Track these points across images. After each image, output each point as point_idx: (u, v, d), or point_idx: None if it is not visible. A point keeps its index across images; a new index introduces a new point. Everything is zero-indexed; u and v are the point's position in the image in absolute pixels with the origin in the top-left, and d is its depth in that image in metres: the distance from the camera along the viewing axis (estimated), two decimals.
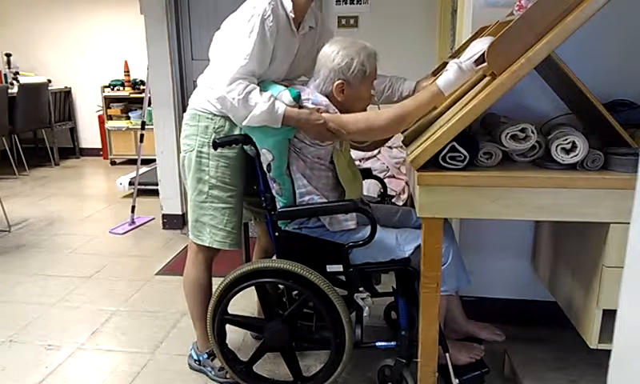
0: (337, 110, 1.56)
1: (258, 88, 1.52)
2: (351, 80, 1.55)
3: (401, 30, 3.30)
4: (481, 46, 1.38)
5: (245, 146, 1.70)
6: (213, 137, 1.70)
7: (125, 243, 3.37)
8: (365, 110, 1.65)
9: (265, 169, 1.64)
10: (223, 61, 1.56)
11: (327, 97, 1.57)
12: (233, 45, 1.55)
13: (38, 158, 5.86)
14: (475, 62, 1.39)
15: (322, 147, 1.60)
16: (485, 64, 1.34)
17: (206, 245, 1.78)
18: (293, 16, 1.60)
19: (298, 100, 1.53)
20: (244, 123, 1.54)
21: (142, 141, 3.72)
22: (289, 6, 1.59)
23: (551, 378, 1.65)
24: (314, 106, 1.53)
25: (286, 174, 1.62)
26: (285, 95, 1.53)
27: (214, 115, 1.70)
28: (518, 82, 1.26)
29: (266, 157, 1.61)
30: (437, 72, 1.83)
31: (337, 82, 1.55)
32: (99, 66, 6.01)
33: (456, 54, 1.82)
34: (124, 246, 3.31)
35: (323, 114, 1.52)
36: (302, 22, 1.67)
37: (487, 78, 1.36)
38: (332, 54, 1.54)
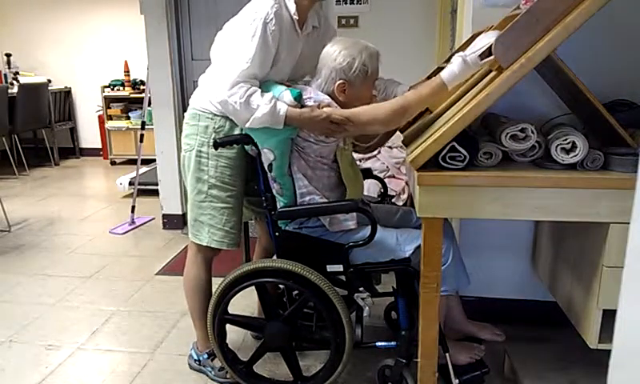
0: (338, 108, 1.56)
1: (260, 90, 1.52)
2: (352, 80, 1.54)
3: (401, 30, 3.30)
4: (487, 39, 1.36)
5: (246, 146, 1.70)
6: (213, 136, 1.70)
7: (125, 243, 3.37)
8: None
9: (266, 168, 1.64)
10: (225, 64, 1.56)
11: (329, 96, 1.57)
12: (235, 48, 1.55)
13: (37, 158, 5.86)
14: (480, 55, 1.37)
15: (327, 145, 1.60)
16: (491, 58, 1.33)
17: (204, 244, 1.78)
18: (297, 18, 1.60)
19: (299, 99, 1.53)
20: (247, 125, 1.54)
21: (141, 141, 3.72)
22: (292, 7, 1.58)
23: (551, 377, 1.65)
24: (315, 104, 1.53)
25: (287, 174, 1.62)
26: (286, 95, 1.52)
27: (215, 115, 1.70)
28: (518, 82, 1.26)
29: (267, 156, 1.61)
30: (431, 77, 1.83)
31: (338, 82, 1.55)
32: (99, 66, 6.01)
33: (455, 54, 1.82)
34: (124, 246, 3.31)
35: (325, 109, 1.52)
36: (306, 22, 1.67)
37: (488, 77, 1.36)
38: (334, 53, 1.54)
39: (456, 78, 1.41)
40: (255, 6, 1.56)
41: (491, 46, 1.32)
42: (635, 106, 1.59)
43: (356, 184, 1.70)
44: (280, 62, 1.61)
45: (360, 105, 1.58)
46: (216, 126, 1.71)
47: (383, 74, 1.77)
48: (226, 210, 1.76)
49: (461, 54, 1.42)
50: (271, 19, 1.52)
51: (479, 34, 1.73)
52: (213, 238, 1.77)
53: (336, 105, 1.55)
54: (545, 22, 1.24)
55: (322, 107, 1.52)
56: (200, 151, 1.72)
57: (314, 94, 1.56)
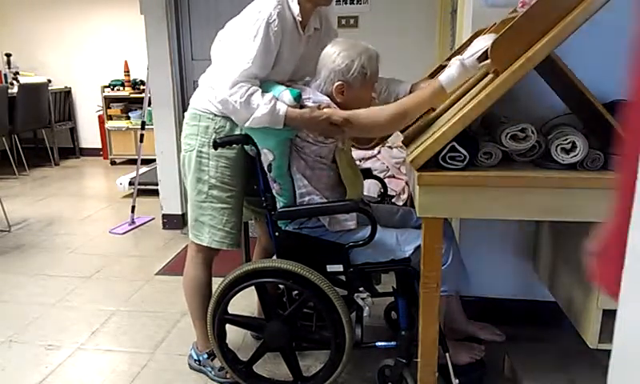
0: (337, 109, 1.56)
1: (260, 90, 1.52)
2: (351, 82, 1.54)
3: (401, 30, 3.31)
4: (484, 42, 1.37)
5: (245, 146, 1.70)
6: (213, 137, 1.70)
7: (125, 243, 3.37)
8: None
9: (265, 169, 1.64)
10: (226, 63, 1.56)
11: (328, 97, 1.57)
12: (236, 48, 1.55)
13: (37, 158, 5.86)
14: (478, 59, 1.38)
15: (325, 145, 1.60)
16: (488, 61, 1.34)
17: (205, 244, 1.78)
18: (300, 19, 1.60)
19: (298, 100, 1.53)
20: (246, 125, 1.54)
21: (141, 141, 3.72)
22: (296, 9, 1.58)
23: (551, 378, 1.66)
24: (315, 104, 1.53)
25: (286, 174, 1.62)
26: (285, 95, 1.52)
27: (215, 115, 1.70)
28: (518, 82, 1.26)
29: (266, 157, 1.61)
30: (434, 75, 1.83)
31: (337, 84, 1.55)
32: (99, 65, 6.01)
33: (456, 54, 1.82)
34: (124, 246, 3.31)
35: (325, 110, 1.52)
36: (308, 24, 1.67)
37: (488, 77, 1.36)
38: (333, 55, 1.54)
39: (454, 81, 1.42)
40: (258, 6, 1.56)
41: (488, 49, 1.32)
42: None
43: (356, 184, 1.70)
44: (282, 63, 1.61)
45: (359, 107, 1.58)
46: (216, 127, 1.71)
47: (384, 74, 1.77)
48: (227, 211, 1.76)
49: (459, 57, 1.42)
50: (274, 20, 1.52)
51: (480, 32, 1.74)
52: (213, 238, 1.77)
53: (335, 106, 1.55)
54: (541, 26, 1.25)
55: (322, 108, 1.52)
56: (201, 151, 1.72)
57: (312, 95, 1.56)
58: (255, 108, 1.50)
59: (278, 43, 1.55)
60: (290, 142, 1.59)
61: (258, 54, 1.52)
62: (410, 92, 1.74)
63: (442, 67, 1.76)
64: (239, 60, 1.52)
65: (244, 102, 1.49)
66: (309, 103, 1.54)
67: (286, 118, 1.51)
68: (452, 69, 1.42)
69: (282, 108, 1.50)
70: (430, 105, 1.50)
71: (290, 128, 1.54)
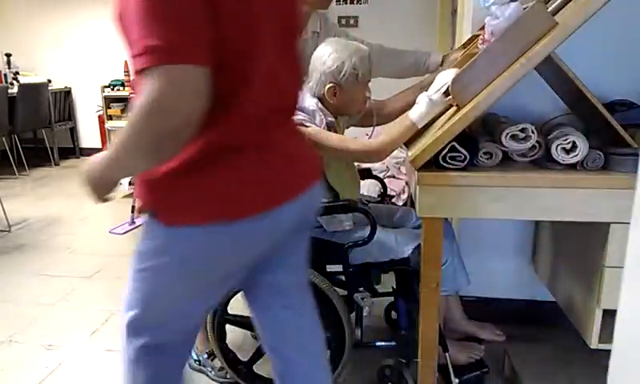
0: (324, 116, 1.54)
1: None
2: (343, 83, 1.53)
3: (401, 30, 3.31)
4: (447, 77, 1.41)
5: None
6: None
7: (125, 243, 3.37)
8: (360, 112, 1.65)
9: None
10: None
11: (320, 100, 1.56)
12: None
13: (37, 158, 5.85)
14: (444, 93, 1.42)
15: None
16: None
17: None
18: None
19: None
20: None
21: None
22: None
23: (551, 378, 1.66)
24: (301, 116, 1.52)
25: None
26: None
27: None
28: (518, 82, 1.26)
29: None
30: (467, 45, 1.84)
31: (328, 86, 1.53)
32: (99, 66, 6.00)
33: (462, 48, 1.83)
34: (124, 246, 3.30)
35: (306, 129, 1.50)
36: (305, 27, 1.67)
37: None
38: (323, 56, 1.53)
39: (424, 116, 1.45)
40: None
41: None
42: (635, 106, 1.59)
43: (351, 186, 1.69)
44: None
45: (353, 107, 1.58)
46: None
47: (383, 75, 1.77)
48: None
49: (426, 93, 1.46)
50: None
51: (475, 39, 1.74)
52: None
53: (322, 114, 1.53)
54: (501, 63, 1.28)
55: (305, 122, 1.50)
56: None
57: (299, 101, 1.54)
58: None
59: None
60: None
61: None
62: (442, 63, 1.77)
63: (475, 37, 1.77)
64: None
65: None
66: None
67: None
68: (421, 105, 1.45)
69: None
70: (402, 141, 1.50)
71: None
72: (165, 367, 1.14)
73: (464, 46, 1.86)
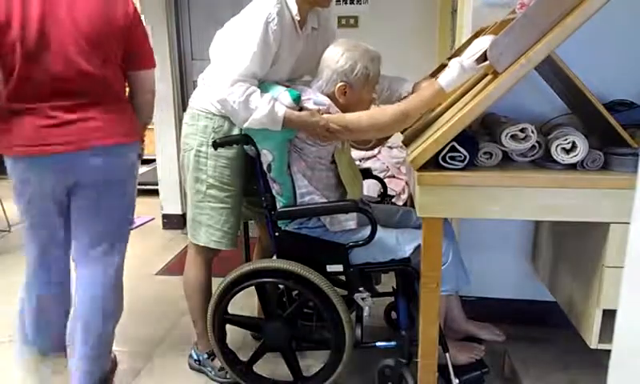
0: (338, 111, 1.56)
1: (259, 90, 1.52)
2: (353, 83, 1.54)
3: (401, 30, 3.30)
4: (482, 44, 1.37)
5: (245, 146, 1.70)
6: (212, 136, 1.70)
7: None
8: None
9: (265, 169, 1.64)
10: (225, 62, 1.56)
11: (329, 98, 1.57)
12: (235, 46, 1.54)
13: None
14: (477, 60, 1.38)
15: (324, 147, 1.60)
16: (487, 62, 1.34)
17: (202, 244, 1.78)
18: (298, 18, 1.60)
19: (298, 101, 1.53)
20: (245, 126, 1.54)
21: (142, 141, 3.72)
22: (294, 8, 1.58)
23: (551, 378, 1.66)
24: (315, 107, 1.53)
25: (286, 174, 1.62)
26: (284, 97, 1.52)
27: (214, 115, 1.70)
28: (518, 82, 1.26)
29: (266, 157, 1.61)
30: (435, 74, 1.83)
31: (339, 84, 1.55)
32: None
33: (457, 54, 1.82)
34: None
35: (325, 115, 1.52)
36: (306, 23, 1.67)
37: (488, 77, 1.36)
38: (336, 55, 1.54)
39: (454, 82, 1.43)
40: (257, 5, 1.56)
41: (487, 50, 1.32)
42: (635, 106, 1.59)
43: (355, 185, 1.70)
44: (280, 62, 1.61)
45: (360, 108, 1.58)
46: (215, 126, 1.71)
47: (384, 73, 1.77)
48: (225, 211, 1.75)
49: (458, 59, 1.43)
50: (273, 19, 1.52)
51: (482, 31, 1.74)
52: (211, 238, 1.77)
53: (336, 109, 1.55)
54: (540, 27, 1.25)
55: (322, 112, 1.52)
56: (199, 151, 1.72)
57: (314, 96, 1.56)
58: (254, 109, 1.49)
59: (277, 42, 1.55)
60: (290, 143, 1.59)
61: (257, 53, 1.51)
62: (413, 91, 1.74)
63: (442, 66, 1.76)
64: (238, 58, 1.51)
65: (242, 102, 1.49)
66: (309, 104, 1.53)
67: (285, 120, 1.51)
68: (451, 70, 1.42)
69: (280, 109, 1.50)
70: (430, 106, 1.51)
71: (289, 129, 1.54)
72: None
73: (433, 74, 1.85)
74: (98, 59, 1.52)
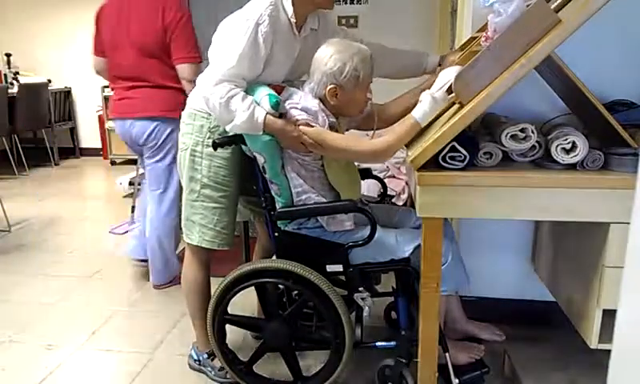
0: (326, 117, 1.53)
1: (242, 93, 1.50)
2: (344, 85, 1.52)
3: (401, 30, 3.31)
4: (449, 75, 1.41)
5: (243, 147, 1.69)
6: (208, 136, 1.70)
7: (125, 243, 3.37)
8: (361, 113, 1.65)
9: (261, 170, 1.64)
10: (213, 61, 1.56)
11: (321, 100, 1.55)
12: (224, 47, 1.54)
13: (37, 158, 5.85)
14: (447, 91, 1.42)
15: (306, 154, 1.58)
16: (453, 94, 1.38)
17: (195, 244, 1.78)
18: (294, 20, 1.59)
19: (276, 107, 1.50)
20: (228, 129, 1.54)
21: None
22: (290, 10, 1.57)
23: (551, 378, 1.66)
24: (301, 113, 1.52)
25: (281, 174, 1.61)
26: (264, 102, 1.50)
27: (210, 114, 1.70)
28: (518, 82, 1.26)
29: (258, 159, 1.61)
30: (465, 46, 1.83)
31: (329, 87, 1.52)
32: None
33: (460, 50, 1.82)
34: (124, 246, 3.30)
35: (302, 127, 1.50)
36: (304, 24, 1.67)
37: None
38: (325, 57, 1.52)
39: (427, 115, 1.44)
40: (250, 6, 1.55)
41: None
42: (635, 106, 1.59)
43: (352, 186, 1.68)
44: (275, 64, 1.60)
45: (354, 109, 1.58)
46: (211, 126, 1.70)
47: (383, 76, 1.77)
48: (218, 210, 1.75)
49: (428, 91, 1.46)
50: (264, 21, 1.51)
51: (472, 39, 1.74)
52: (203, 237, 1.76)
53: (324, 115, 1.53)
54: (503, 61, 1.28)
55: (299, 124, 1.51)
56: (194, 150, 1.72)
57: (302, 100, 1.54)
58: (234, 111, 1.49)
59: (267, 44, 1.53)
60: (277, 143, 1.57)
61: (245, 54, 1.50)
62: (439, 64, 1.77)
63: (472, 39, 1.77)
64: (224, 59, 1.51)
65: (223, 104, 1.48)
66: (294, 111, 1.52)
67: (264, 125, 1.50)
68: (424, 104, 1.44)
69: (260, 115, 1.49)
70: (407, 140, 1.49)
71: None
72: None
73: (462, 47, 1.86)
74: (144, 56, 2.35)
